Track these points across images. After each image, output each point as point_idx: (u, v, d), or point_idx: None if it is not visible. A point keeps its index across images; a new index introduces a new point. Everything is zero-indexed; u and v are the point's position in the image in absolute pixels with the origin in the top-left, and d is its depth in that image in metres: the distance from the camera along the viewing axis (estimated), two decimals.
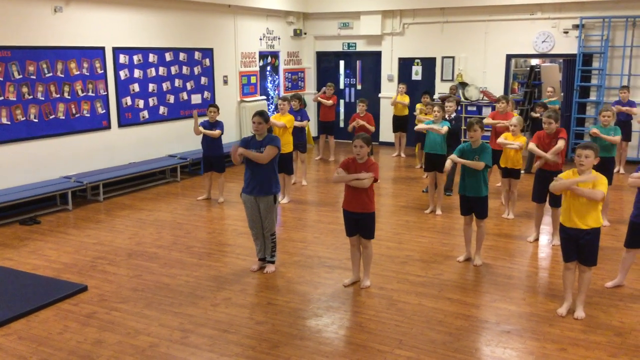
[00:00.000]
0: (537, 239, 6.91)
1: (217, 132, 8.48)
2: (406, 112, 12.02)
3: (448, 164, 6.34)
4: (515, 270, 6.04)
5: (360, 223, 5.39)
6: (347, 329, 4.80)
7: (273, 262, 6.05)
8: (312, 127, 14.15)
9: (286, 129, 8.43)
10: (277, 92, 13.67)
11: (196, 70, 11.18)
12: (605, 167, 6.99)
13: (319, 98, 11.84)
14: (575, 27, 11.52)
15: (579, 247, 4.79)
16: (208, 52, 11.40)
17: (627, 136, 10.39)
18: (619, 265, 5.61)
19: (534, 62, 14.95)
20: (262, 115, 5.79)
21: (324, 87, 12.05)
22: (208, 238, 7.17)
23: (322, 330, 4.75)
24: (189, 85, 11.03)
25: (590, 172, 4.67)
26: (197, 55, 11.14)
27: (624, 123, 9.94)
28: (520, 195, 8.43)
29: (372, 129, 10.15)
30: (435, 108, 8.11)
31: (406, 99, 11.94)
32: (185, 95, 10.96)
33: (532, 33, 12.01)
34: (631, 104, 10.36)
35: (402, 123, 12.12)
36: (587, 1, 11.28)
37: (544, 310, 5.08)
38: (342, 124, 14.02)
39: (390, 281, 5.70)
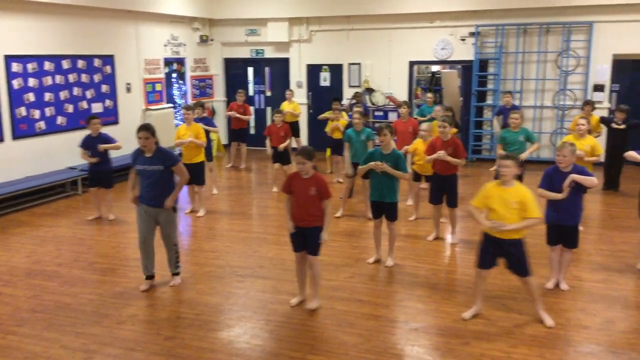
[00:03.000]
0: (436, 238, 7.19)
1: (118, 143, 8.05)
2: (297, 118, 12.05)
3: (363, 168, 6.22)
4: (421, 269, 6.24)
5: (308, 238, 5.10)
6: (260, 337, 4.75)
7: (178, 274, 5.85)
8: (223, 135, 14.01)
9: (198, 142, 8.11)
10: (184, 99, 13.39)
11: (96, 77, 10.72)
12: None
13: (236, 115, 11.67)
14: (472, 34, 12.11)
15: (508, 256, 4.81)
16: (108, 59, 10.98)
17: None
18: (550, 265, 5.77)
19: (435, 68, 15.60)
20: (148, 129, 5.39)
21: (236, 96, 11.89)
22: (112, 253, 6.87)
23: (233, 342, 4.68)
24: (89, 94, 10.56)
25: (513, 182, 4.74)
26: (97, 62, 10.70)
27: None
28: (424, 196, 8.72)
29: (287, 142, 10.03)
30: (356, 115, 7.97)
31: (296, 109, 11.97)
32: (85, 104, 10.48)
33: (432, 40, 12.50)
34: (515, 107, 10.97)
35: (294, 130, 12.18)
36: (482, 10, 11.89)
37: (449, 306, 5.28)
38: (252, 131, 13.93)
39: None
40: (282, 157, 9.51)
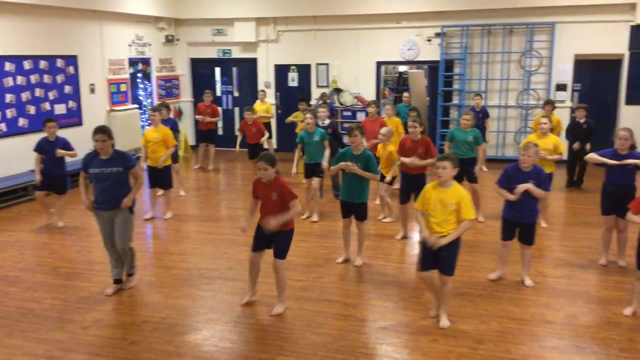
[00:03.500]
0: (404, 237, 7.24)
1: (75, 152, 7.77)
2: (269, 119, 12.04)
3: (334, 169, 6.23)
4: (390, 268, 6.28)
5: (275, 242, 5.02)
6: (228, 340, 4.71)
7: (132, 275, 5.72)
8: (191, 136, 13.86)
9: (167, 143, 7.97)
10: (150, 100, 13.21)
11: (59, 78, 10.50)
12: (464, 166, 7.53)
13: (207, 119, 11.56)
14: (437, 35, 12.25)
15: (438, 257, 4.77)
16: (72, 60, 10.76)
17: (482, 137, 11.27)
18: (498, 258, 5.93)
19: (402, 68, 15.73)
20: (105, 132, 5.26)
21: (204, 97, 11.79)
22: (76, 257, 6.73)
23: (201, 345, 4.63)
24: (51, 95, 10.33)
25: (451, 183, 4.76)
26: (59, 62, 10.48)
27: (477, 127, 10.72)
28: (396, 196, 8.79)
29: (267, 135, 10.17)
30: (308, 115, 8.03)
31: (269, 110, 11.95)
32: (47, 106, 10.25)
33: (399, 41, 12.60)
34: (484, 110, 11.16)
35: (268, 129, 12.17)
36: (447, 11, 12.03)
37: (417, 304, 5.32)
38: (220, 132, 13.82)
39: (271, 288, 5.64)
40: (257, 153, 9.57)
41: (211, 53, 14.05)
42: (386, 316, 5.10)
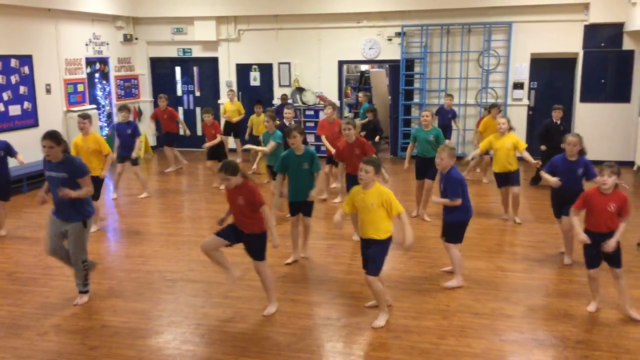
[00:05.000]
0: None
1: (21, 158, 7.44)
2: (238, 116, 11.98)
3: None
4: (354, 266, 6.29)
5: (248, 245, 5.01)
6: (190, 342, 4.65)
7: (86, 292, 5.43)
8: (152, 136, 13.61)
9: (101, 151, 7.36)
10: (108, 100, 12.95)
11: (13, 79, 10.19)
12: (429, 165, 7.62)
13: (152, 129, 11.36)
14: (398, 34, 12.36)
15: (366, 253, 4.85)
16: (26, 60, 10.46)
17: (448, 136, 11.45)
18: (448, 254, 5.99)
19: (364, 67, 15.82)
20: (52, 137, 5.06)
21: (158, 102, 11.59)
22: (34, 262, 6.54)
23: (162, 348, 4.56)
24: (5, 96, 10.02)
25: (372, 185, 4.74)
26: (13, 62, 10.17)
27: (445, 126, 10.91)
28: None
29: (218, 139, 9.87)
30: (266, 119, 7.94)
31: (241, 109, 11.87)
32: (1, 107, 9.93)
33: (360, 40, 12.67)
34: (452, 110, 11.31)
35: (235, 130, 12.08)
36: (407, 11, 12.15)
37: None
38: (181, 132, 13.57)
39: (234, 289, 5.63)
40: (215, 154, 9.53)
41: (171, 52, 13.86)
42: (350, 314, 5.12)
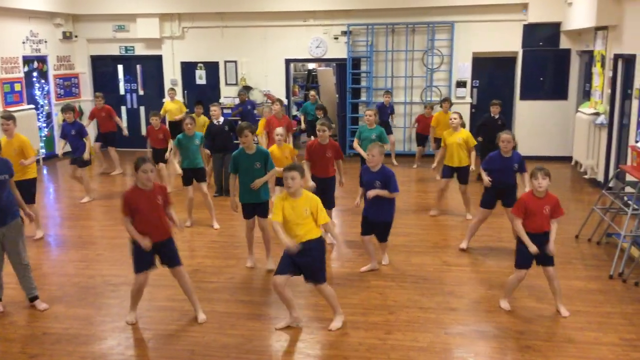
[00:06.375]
0: None
1: None
2: (180, 115, 11.76)
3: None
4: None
5: (165, 252, 4.78)
6: (135, 348, 4.56)
7: (37, 297, 5.25)
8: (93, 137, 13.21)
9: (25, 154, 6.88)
10: (47, 99, 12.50)
11: None
12: None
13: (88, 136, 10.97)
14: (344, 33, 12.44)
15: (304, 262, 4.65)
16: None
17: (389, 132, 11.64)
18: (365, 252, 6.09)
19: (311, 66, 15.85)
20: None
21: (95, 101, 11.26)
22: None
23: (106, 354, 4.44)
24: None
25: (301, 192, 4.61)
26: None
27: (385, 123, 11.07)
28: None
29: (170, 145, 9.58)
30: (187, 120, 7.65)
31: (182, 108, 11.67)
32: None
33: (307, 39, 12.68)
34: (391, 107, 11.50)
35: (179, 131, 11.83)
36: (353, 9, 12.23)
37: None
38: (125, 132, 13.24)
39: (181, 292, 5.52)
40: (162, 158, 9.28)
41: (113, 50, 13.50)
42: (298, 313, 5.10)
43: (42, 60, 12.37)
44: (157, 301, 5.36)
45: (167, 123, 11.55)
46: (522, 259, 5.01)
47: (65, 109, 8.80)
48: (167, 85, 13.30)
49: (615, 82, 9.15)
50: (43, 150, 12.12)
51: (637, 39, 8.21)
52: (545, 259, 4.97)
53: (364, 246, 6.06)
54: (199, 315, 4.98)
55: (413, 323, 4.90)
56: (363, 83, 12.73)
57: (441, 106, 10.26)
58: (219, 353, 4.45)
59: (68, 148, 9.12)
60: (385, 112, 11.28)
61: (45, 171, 11.41)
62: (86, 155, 8.70)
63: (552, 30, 11.77)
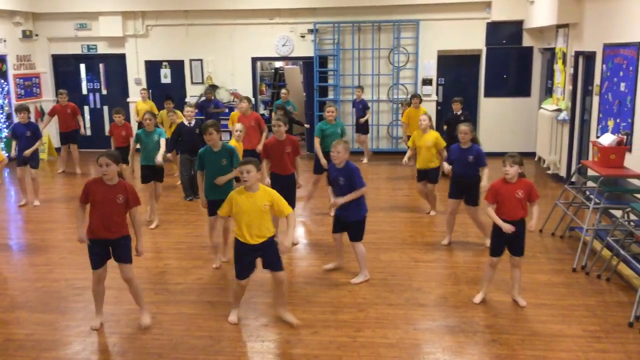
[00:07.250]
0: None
1: None
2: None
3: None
4: None
5: (117, 249, 4.66)
6: (101, 352, 4.47)
7: None
8: (56, 138, 12.93)
9: None
10: (7, 100, 12.16)
11: None
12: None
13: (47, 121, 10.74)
14: (310, 31, 12.42)
15: (264, 256, 4.76)
16: None
17: (365, 130, 11.70)
18: (335, 250, 6.07)
19: (278, 64, 15.79)
20: None
21: (58, 97, 11.03)
22: None
23: (71, 359, 4.35)
24: None
25: (258, 186, 4.62)
26: None
27: (362, 124, 11.12)
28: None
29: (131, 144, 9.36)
30: (146, 116, 7.53)
31: (153, 108, 11.51)
32: None
33: (274, 37, 12.62)
34: (363, 102, 11.56)
35: None
36: (319, 7, 12.23)
37: (296, 298, 5.37)
38: (88, 132, 13.00)
39: (147, 294, 5.43)
40: (125, 156, 9.09)
41: (75, 49, 13.21)
42: (267, 313, 5.09)
43: (2, 59, 12.03)
44: (123, 304, 5.26)
45: (137, 124, 11.36)
46: (494, 246, 5.17)
47: (20, 109, 8.57)
48: (131, 84, 13.11)
49: (576, 79, 9.36)
50: (6, 154, 11.77)
51: (596, 36, 8.41)
52: (517, 249, 5.12)
53: (334, 244, 6.01)
54: (144, 317, 4.85)
55: (382, 320, 4.93)
56: (330, 81, 12.74)
57: (411, 102, 10.32)
58: (186, 355, 4.40)
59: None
60: (358, 107, 11.36)
61: (6, 174, 11.10)
62: (28, 152, 8.48)
63: (515, 28, 11.98)
